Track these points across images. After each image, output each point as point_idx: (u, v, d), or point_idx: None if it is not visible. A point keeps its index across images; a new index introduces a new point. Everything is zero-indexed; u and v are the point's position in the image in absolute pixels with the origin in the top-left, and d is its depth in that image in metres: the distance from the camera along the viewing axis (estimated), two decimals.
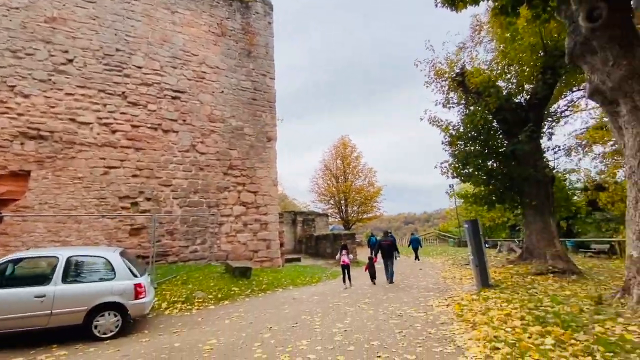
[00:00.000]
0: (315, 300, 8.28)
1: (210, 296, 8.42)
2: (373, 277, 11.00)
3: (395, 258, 11.09)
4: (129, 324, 6.52)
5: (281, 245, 15.26)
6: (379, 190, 39.45)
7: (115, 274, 6.32)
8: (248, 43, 15.20)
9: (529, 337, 4.44)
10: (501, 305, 6.40)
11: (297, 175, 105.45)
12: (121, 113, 12.10)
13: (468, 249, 9.42)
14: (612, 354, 3.65)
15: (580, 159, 18.47)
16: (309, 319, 6.45)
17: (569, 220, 23.88)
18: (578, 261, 13.50)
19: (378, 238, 27.49)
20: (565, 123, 15.98)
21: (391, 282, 10.79)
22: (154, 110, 12.66)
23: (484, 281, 8.77)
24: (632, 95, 4.83)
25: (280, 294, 9.33)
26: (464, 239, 34.89)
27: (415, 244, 19.52)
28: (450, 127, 13.13)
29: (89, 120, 11.61)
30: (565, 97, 14.19)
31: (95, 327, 6.06)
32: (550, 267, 10.89)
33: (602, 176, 18.26)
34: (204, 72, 14.01)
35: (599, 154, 18.23)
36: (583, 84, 12.89)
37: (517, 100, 12.42)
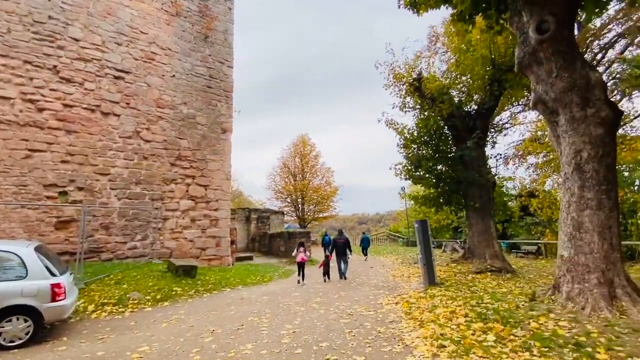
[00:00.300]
0: (265, 301, 7.92)
1: (147, 297, 7.64)
2: (326, 274, 11.23)
3: (348, 256, 11.50)
4: (44, 330, 5.62)
5: (232, 243, 14.58)
6: (335, 190, 39.87)
7: (27, 272, 5.39)
8: (205, 27, 14.28)
9: (473, 334, 4.55)
10: (446, 303, 6.59)
11: (254, 171, 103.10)
12: (51, 90, 10.61)
13: (417, 248, 9.71)
14: (547, 349, 3.83)
15: (517, 168, 20.22)
16: (256, 321, 6.08)
17: (504, 223, 26.09)
18: (511, 261, 14.68)
19: (332, 237, 27.95)
20: (505, 135, 17.36)
21: (344, 278, 11.23)
22: (92, 90, 11.30)
23: (431, 279, 9.08)
24: (571, 106, 5.22)
25: (228, 294, 8.80)
26: (412, 238, 36.65)
27: (365, 243, 20.26)
28: (406, 131, 13.53)
29: (10, 95, 10.01)
30: (507, 109, 15.33)
31: (0, 334, 5.12)
32: (489, 266, 11.67)
33: (534, 184, 20.13)
34: (154, 53, 12.86)
35: (532, 164, 20.08)
36: (522, 99, 14.04)
37: (466, 109, 13.15)
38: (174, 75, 13.21)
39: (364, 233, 26.11)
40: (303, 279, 10.60)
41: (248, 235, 26.90)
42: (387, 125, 14.03)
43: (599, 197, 5.07)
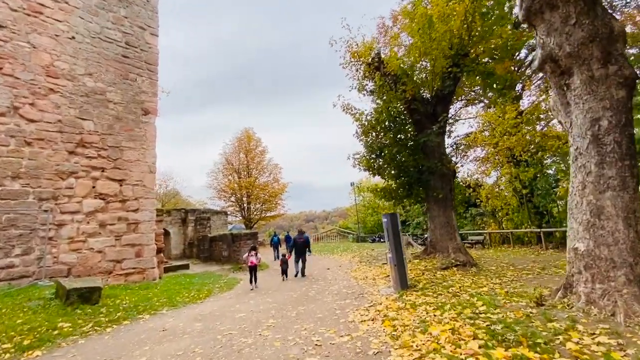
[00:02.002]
0: (197, 330, 5.81)
1: (7, 345, 5.02)
2: (284, 272, 11.28)
3: (307, 255, 11.80)
4: None
5: (160, 251, 11.90)
6: (284, 187, 37.88)
7: None
8: None
9: None
10: (435, 315, 5.25)
11: (197, 170, 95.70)
12: None
13: (386, 246, 8.38)
14: None
15: (463, 159, 20.48)
16: None
17: None
18: None
19: (281, 237, 26.04)
20: (455, 128, 17.23)
21: (303, 275, 11.52)
22: None
23: (403, 282, 7.81)
24: (590, 62, 4.21)
25: (145, 325, 6.46)
26: (361, 234, 36.45)
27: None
28: (364, 117, 12.25)
29: None
30: (461, 99, 14.96)
31: None
32: (454, 261, 10.91)
33: (482, 176, 20.58)
34: (42, 5, 9.66)
35: (478, 157, 20.47)
36: (472, 92, 13.61)
37: (426, 95, 12.32)
38: (73, 37, 10.12)
39: (303, 232, 23.89)
40: (255, 283, 10.21)
41: (184, 240, 23.68)
42: (343, 110, 12.62)
43: (622, 175, 4.10)
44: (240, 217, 37.93)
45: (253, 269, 10.17)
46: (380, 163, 11.67)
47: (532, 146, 15.39)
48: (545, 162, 17.71)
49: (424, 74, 11.30)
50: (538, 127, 17.74)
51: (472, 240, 20.79)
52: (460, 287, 7.54)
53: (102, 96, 10.43)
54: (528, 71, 17.43)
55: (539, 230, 15.99)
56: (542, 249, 15.56)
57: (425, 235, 24.72)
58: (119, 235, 10.23)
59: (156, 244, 11.62)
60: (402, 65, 10.72)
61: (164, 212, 23.86)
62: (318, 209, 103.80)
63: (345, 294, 8.19)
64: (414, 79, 11.20)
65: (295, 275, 11.46)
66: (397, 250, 7.95)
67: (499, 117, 16.58)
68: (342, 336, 4.88)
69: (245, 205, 37.46)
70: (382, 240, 33.11)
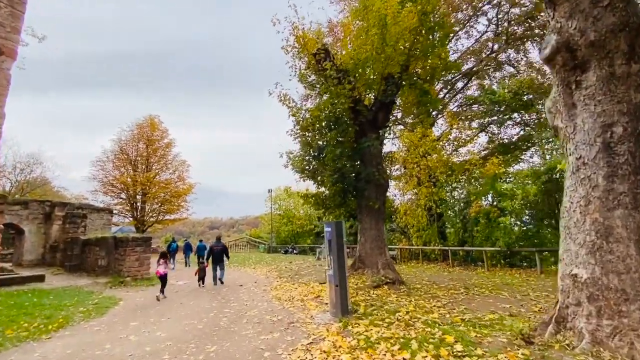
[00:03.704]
0: None
1: None
2: (201, 279, 11.16)
3: (225, 263, 11.59)
4: None
5: None
6: (190, 188, 33.42)
7: None
8: None
9: None
10: None
11: (77, 161, 79.05)
12: None
13: (326, 262, 6.91)
14: None
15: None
16: None
17: None
18: None
19: (179, 244, 22.37)
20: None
21: (221, 283, 11.42)
22: None
23: (344, 307, 6.42)
24: (614, 56, 3.64)
25: None
26: (274, 245, 34.51)
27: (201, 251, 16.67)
28: (302, 112, 10.81)
29: None
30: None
31: None
32: (384, 278, 10.14)
33: (396, 192, 21.24)
34: None
35: (398, 174, 21.16)
36: (393, 115, 13.66)
37: (369, 100, 11.65)
38: None
39: (201, 240, 20.34)
40: (163, 293, 9.44)
41: (47, 242, 17.95)
42: (280, 100, 10.95)
43: (635, 191, 3.56)
44: (131, 219, 31.85)
45: (163, 279, 9.55)
46: (316, 165, 10.33)
47: (449, 167, 16.37)
48: (453, 185, 19.16)
49: (372, 76, 10.53)
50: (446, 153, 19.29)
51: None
52: (407, 312, 6.52)
53: None
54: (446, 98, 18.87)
55: (448, 248, 16.89)
56: (449, 266, 16.42)
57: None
58: None
59: None
60: (352, 60, 9.74)
61: (18, 204, 17.81)
62: (224, 216, 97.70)
63: (271, 323, 6.35)
64: (363, 78, 10.33)
65: (215, 284, 11.22)
66: (340, 268, 6.55)
67: (421, 138, 17.32)
68: None
69: (138, 204, 31.66)
70: (295, 252, 31.84)
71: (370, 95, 11.42)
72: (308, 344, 4.97)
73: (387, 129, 11.11)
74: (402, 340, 4.72)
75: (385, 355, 4.23)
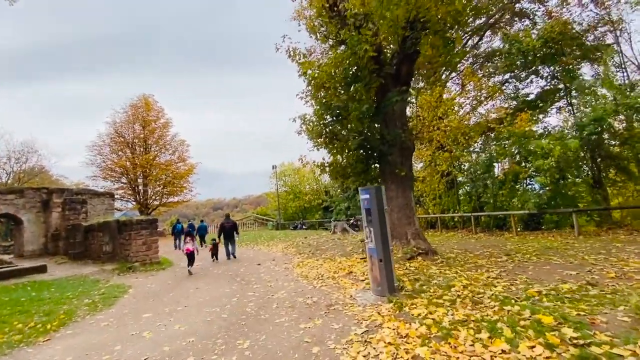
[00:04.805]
0: None
1: None
2: (215, 255, 11.60)
3: (235, 238, 12.15)
4: None
5: None
6: (191, 168, 32.31)
7: None
8: None
9: None
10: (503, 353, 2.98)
11: (73, 148, 77.25)
12: None
13: (365, 233, 5.89)
14: None
15: None
16: None
17: None
18: None
19: (184, 226, 21.97)
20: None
21: (234, 257, 11.85)
22: None
23: (391, 284, 5.46)
24: None
25: None
26: (281, 221, 33.78)
27: (202, 231, 17.94)
28: (316, 69, 9.43)
29: None
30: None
31: None
32: (415, 249, 9.23)
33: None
34: None
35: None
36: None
37: (388, 53, 10.22)
38: None
39: (202, 221, 21.14)
40: (191, 267, 9.69)
41: (47, 231, 17.08)
42: (289, 56, 9.58)
43: None
44: (134, 203, 31.03)
45: (191, 256, 9.81)
46: (337, 128, 9.10)
47: (471, 127, 15.09)
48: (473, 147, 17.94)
49: (395, 20, 9.01)
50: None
51: None
52: (463, 286, 5.57)
53: None
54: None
55: (470, 214, 15.97)
56: (471, 233, 15.58)
57: (352, 221, 23.65)
58: None
59: None
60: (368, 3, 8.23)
61: (12, 192, 16.78)
62: (227, 196, 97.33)
63: (306, 307, 5.43)
64: (386, 22, 8.83)
65: (228, 258, 11.75)
66: (383, 239, 5.54)
67: (438, 98, 15.93)
68: None
69: (140, 188, 30.71)
70: (304, 227, 31.14)
71: (388, 49, 9.97)
72: (363, 332, 4.02)
73: (411, 84, 9.76)
74: (484, 324, 3.76)
75: (473, 346, 3.27)
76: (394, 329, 3.95)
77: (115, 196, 26.75)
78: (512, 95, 16.54)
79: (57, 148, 79.90)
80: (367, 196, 5.70)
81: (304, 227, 30.45)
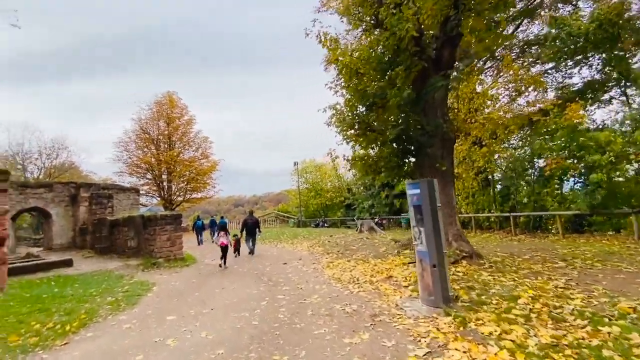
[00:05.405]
0: None
1: None
2: (237, 250, 11.76)
3: (257, 235, 12.28)
4: None
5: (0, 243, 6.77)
6: (214, 165, 32.37)
7: None
8: None
9: None
10: None
11: (100, 146, 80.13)
12: None
13: (413, 234, 5.14)
14: None
15: None
16: None
17: (399, 198, 25.22)
18: None
19: (206, 222, 22.24)
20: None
21: (252, 254, 11.94)
22: None
23: (445, 293, 4.70)
24: None
25: None
26: (302, 219, 33.24)
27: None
28: (349, 53, 8.72)
29: None
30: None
31: None
32: (459, 252, 8.37)
33: None
34: None
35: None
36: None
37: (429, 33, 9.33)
38: None
39: (222, 217, 21.60)
40: (225, 263, 9.79)
41: (75, 225, 17.34)
42: (319, 41, 8.91)
43: None
44: (159, 199, 31.45)
45: (224, 249, 9.89)
46: (372, 117, 8.35)
47: (511, 120, 13.88)
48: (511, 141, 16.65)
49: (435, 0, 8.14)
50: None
51: None
52: (530, 297, 4.73)
53: None
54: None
55: (508, 214, 14.78)
56: (509, 234, 14.43)
57: (376, 220, 22.76)
58: None
59: None
60: None
61: (42, 186, 17.10)
62: (247, 193, 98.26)
63: (346, 316, 4.77)
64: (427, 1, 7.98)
65: (250, 253, 11.97)
66: (437, 241, 4.78)
67: (474, 89, 14.82)
68: None
69: (164, 184, 31.07)
70: (325, 225, 30.49)
71: (427, 34, 9.08)
72: (425, 355, 3.31)
73: (454, 70, 8.84)
74: (584, 350, 2.96)
75: None
76: (464, 352, 3.21)
77: (141, 192, 27.16)
78: (558, 85, 15.15)
79: (85, 145, 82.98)
80: (417, 191, 4.94)
81: (325, 224, 29.81)
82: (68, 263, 10.82)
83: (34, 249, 17.27)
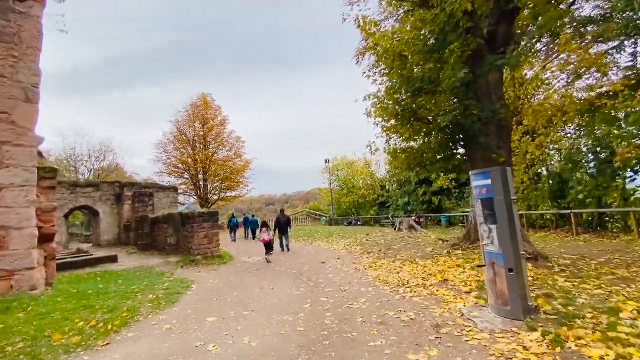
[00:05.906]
0: None
1: None
2: (271, 248, 10.89)
3: (289, 233, 12.48)
4: None
5: (46, 239, 6.88)
6: (247, 164, 32.74)
7: None
8: None
9: None
10: None
11: (142, 149, 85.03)
12: None
13: (482, 231, 4.43)
14: None
15: None
16: None
17: (439, 195, 23.90)
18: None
19: (239, 220, 22.81)
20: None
21: (288, 250, 12.18)
22: None
23: (525, 303, 3.95)
24: None
25: None
26: (334, 217, 32.69)
27: (254, 225, 18.76)
28: (389, 36, 8.04)
29: None
30: None
31: None
32: (524, 253, 7.39)
33: None
34: None
35: None
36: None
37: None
38: None
39: (253, 215, 24.03)
40: (269, 257, 10.14)
41: (119, 222, 18.12)
42: (358, 26, 8.33)
43: None
44: (196, 197, 32.40)
45: (268, 245, 10.33)
46: (422, 104, 7.60)
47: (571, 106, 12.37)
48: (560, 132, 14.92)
49: None
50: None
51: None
52: (637, 312, 3.85)
53: None
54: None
55: (568, 211, 13.27)
56: (570, 233, 12.94)
57: (413, 218, 21.68)
58: None
59: (41, 228, 6.63)
60: None
61: (90, 186, 18.01)
62: (278, 192, 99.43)
63: (404, 326, 4.17)
64: None
65: (282, 250, 12.14)
66: (514, 242, 4.05)
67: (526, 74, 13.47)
68: None
69: (201, 183, 31.97)
70: (358, 223, 29.73)
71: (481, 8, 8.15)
72: None
73: (512, 47, 7.83)
74: None
75: None
76: None
77: (179, 191, 28.09)
78: (628, 65, 13.30)
79: (129, 147, 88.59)
80: (488, 182, 4.23)
81: (358, 223, 29.05)
82: (113, 259, 11.12)
83: (85, 245, 18.27)
